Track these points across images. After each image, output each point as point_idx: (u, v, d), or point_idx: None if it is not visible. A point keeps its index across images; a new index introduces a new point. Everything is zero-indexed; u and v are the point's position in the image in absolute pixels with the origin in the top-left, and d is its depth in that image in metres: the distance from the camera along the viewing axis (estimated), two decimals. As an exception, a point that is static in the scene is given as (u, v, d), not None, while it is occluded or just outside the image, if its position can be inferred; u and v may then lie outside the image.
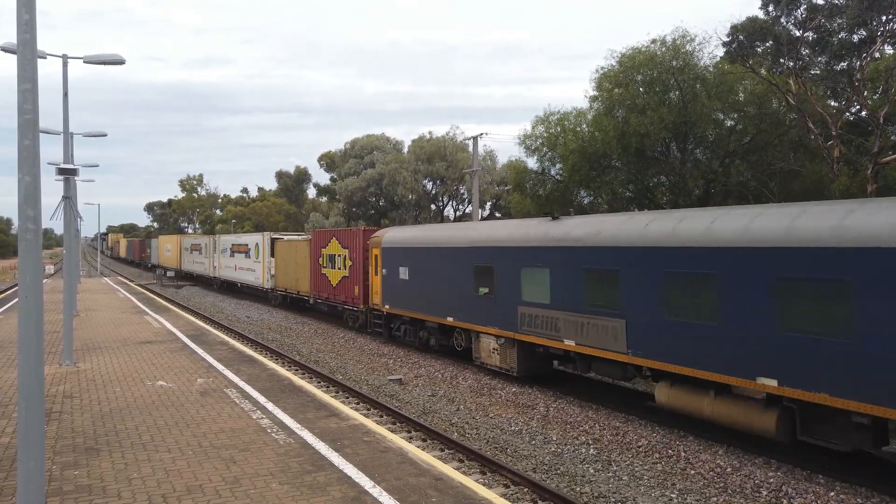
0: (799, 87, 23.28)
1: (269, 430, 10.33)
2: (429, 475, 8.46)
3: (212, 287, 49.46)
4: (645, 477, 10.57)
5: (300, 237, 36.37)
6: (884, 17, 23.43)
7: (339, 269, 26.96)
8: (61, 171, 16.41)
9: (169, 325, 23.78)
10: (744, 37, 25.53)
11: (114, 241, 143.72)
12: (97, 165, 42.83)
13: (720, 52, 27.08)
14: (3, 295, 42.39)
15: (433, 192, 56.80)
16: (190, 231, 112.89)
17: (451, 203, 58.33)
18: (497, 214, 55.01)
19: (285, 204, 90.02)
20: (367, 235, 24.99)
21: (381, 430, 10.55)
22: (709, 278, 11.37)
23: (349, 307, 26.36)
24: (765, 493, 9.87)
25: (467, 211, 55.96)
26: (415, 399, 15.68)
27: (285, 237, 37.41)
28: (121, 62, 15.71)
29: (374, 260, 23.36)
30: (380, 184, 56.71)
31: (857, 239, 9.18)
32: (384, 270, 22.42)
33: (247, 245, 40.19)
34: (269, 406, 11.91)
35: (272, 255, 36.07)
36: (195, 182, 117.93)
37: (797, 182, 25.60)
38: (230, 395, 12.70)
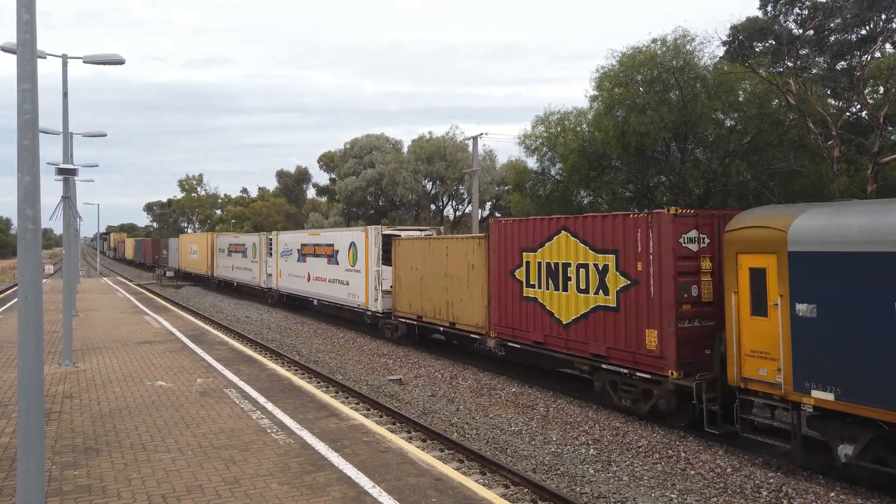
0: (799, 86, 23.29)
1: (268, 431, 10.33)
2: (429, 475, 8.46)
3: (264, 301, 37.78)
4: (645, 477, 10.57)
5: (425, 233, 24.73)
6: (884, 16, 23.44)
7: (588, 292, 14.49)
8: (61, 171, 16.40)
9: (168, 325, 23.77)
10: (743, 37, 25.55)
11: (117, 241, 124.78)
12: (97, 165, 42.81)
13: (721, 52, 27.13)
14: (2, 295, 42.38)
15: (433, 192, 56.84)
16: (190, 231, 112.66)
17: (450, 203, 58.44)
18: (497, 214, 55.08)
19: (285, 204, 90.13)
20: (682, 228, 12.63)
21: (381, 431, 10.55)
22: None
23: (626, 369, 13.56)
24: (765, 493, 9.86)
25: (467, 211, 56.02)
26: (415, 399, 15.67)
27: (403, 234, 24.34)
28: (120, 62, 15.70)
29: (742, 280, 11.17)
30: (379, 184, 56.75)
31: None
32: (814, 308, 9.99)
33: (332, 246, 28.00)
34: (269, 406, 11.90)
35: (385, 260, 23.94)
36: (195, 182, 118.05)
37: (797, 182, 25.62)
38: (230, 396, 12.69)
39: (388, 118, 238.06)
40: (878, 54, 23.62)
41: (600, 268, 14.23)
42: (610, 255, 13.97)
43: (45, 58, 15.91)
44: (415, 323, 21.95)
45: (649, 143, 26.34)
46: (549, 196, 31.96)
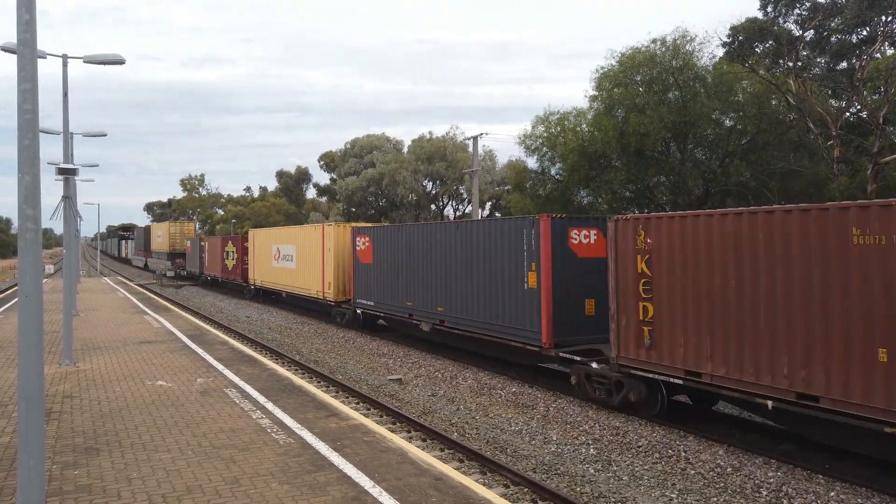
0: (799, 86, 23.30)
1: (268, 430, 10.33)
2: (429, 475, 8.46)
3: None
4: (645, 477, 10.57)
5: None
6: (884, 17, 23.45)
7: None
8: (61, 171, 16.39)
9: (169, 325, 23.77)
10: (743, 37, 25.57)
11: (170, 236, 60.44)
12: (97, 165, 42.69)
13: (720, 52, 27.16)
14: (2, 295, 42.38)
15: (433, 192, 56.85)
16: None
17: (450, 203, 58.45)
18: (497, 214, 55.09)
19: (285, 204, 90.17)
20: None
21: (381, 430, 10.55)
22: None
23: None
24: (765, 493, 9.87)
25: (467, 211, 56.01)
26: (415, 399, 15.68)
27: None
28: (120, 62, 15.69)
29: None
30: (380, 184, 56.79)
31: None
32: None
33: None
34: (269, 406, 11.90)
35: None
36: (196, 182, 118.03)
37: (797, 182, 25.63)
38: (230, 395, 12.70)
39: (387, 118, 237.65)
40: (877, 55, 23.63)
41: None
42: None
43: (45, 58, 15.90)
44: None
45: (649, 143, 26.35)
46: (549, 196, 31.98)
